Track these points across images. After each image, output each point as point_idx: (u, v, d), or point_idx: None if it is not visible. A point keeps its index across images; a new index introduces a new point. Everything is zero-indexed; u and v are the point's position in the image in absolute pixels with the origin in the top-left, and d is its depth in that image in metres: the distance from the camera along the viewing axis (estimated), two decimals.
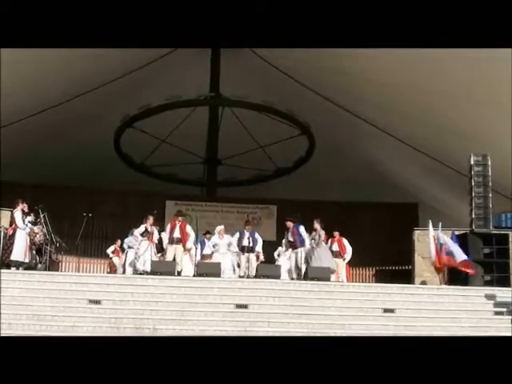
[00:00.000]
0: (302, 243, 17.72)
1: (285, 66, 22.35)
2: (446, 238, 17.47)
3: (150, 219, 17.92)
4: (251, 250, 17.76)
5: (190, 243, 17.62)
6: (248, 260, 17.62)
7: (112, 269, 20.69)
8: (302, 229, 17.88)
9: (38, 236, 17.27)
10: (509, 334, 12.83)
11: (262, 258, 18.39)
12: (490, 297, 15.06)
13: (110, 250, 20.85)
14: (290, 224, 18.02)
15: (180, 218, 17.70)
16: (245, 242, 17.80)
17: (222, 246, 17.98)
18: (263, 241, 18.57)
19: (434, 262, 17.49)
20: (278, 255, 18.96)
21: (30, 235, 16.57)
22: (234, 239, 18.05)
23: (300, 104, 23.76)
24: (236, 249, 17.99)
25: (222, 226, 18.44)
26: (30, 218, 16.68)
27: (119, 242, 20.50)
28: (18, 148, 21.87)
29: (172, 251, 17.29)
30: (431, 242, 17.56)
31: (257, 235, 18.18)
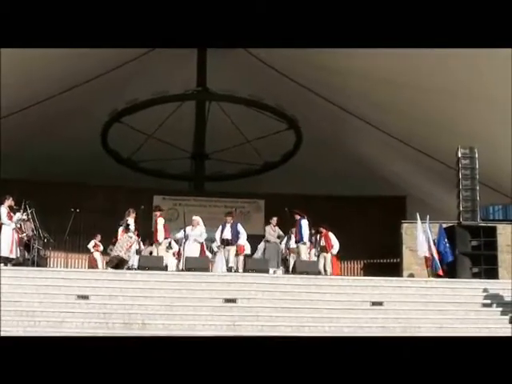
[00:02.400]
0: (301, 239, 17.77)
1: (272, 61, 22.34)
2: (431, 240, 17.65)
3: (131, 213, 17.78)
4: (230, 242, 17.42)
5: (161, 237, 17.49)
6: (228, 253, 17.46)
7: (92, 263, 20.67)
8: (303, 224, 17.92)
9: (25, 235, 17.19)
10: (496, 326, 12.91)
11: (246, 250, 18.26)
12: (477, 289, 15.12)
13: (90, 245, 20.83)
14: (296, 217, 18.06)
15: (157, 213, 17.68)
16: (225, 235, 17.50)
17: (193, 236, 17.83)
18: (251, 235, 18.54)
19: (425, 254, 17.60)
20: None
21: (17, 232, 16.50)
22: (217, 232, 17.86)
23: (287, 98, 23.79)
24: (218, 242, 17.84)
25: (196, 217, 18.18)
26: (18, 215, 16.56)
27: (99, 236, 20.56)
28: (4, 144, 21.75)
29: (155, 247, 17.28)
30: (420, 235, 17.65)
31: (239, 227, 17.64)
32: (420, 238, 17.71)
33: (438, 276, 17.15)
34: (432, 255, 17.47)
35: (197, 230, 17.75)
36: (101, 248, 20.65)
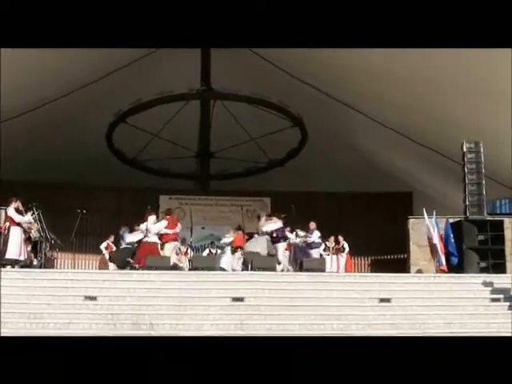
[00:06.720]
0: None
1: (275, 58, 22.29)
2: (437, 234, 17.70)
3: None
4: None
5: None
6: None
7: (104, 265, 20.57)
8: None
9: (33, 231, 17.18)
10: (506, 321, 12.87)
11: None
12: (486, 284, 15.06)
13: (103, 246, 20.72)
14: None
15: None
16: None
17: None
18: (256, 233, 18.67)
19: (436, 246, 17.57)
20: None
21: (26, 230, 16.48)
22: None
23: (292, 96, 23.72)
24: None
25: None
26: (29, 215, 16.55)
27: (112, 237, 20.43)
28: (9, 147, 21.77)
29: None
30: (430, 228, 17.64)
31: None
32: (431, 230, 17.69)
33: (442, 271, 17.15)
34: (437, 250, 17.47)
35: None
36: (114, 249, 20.46)
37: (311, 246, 19.00)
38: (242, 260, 18.05)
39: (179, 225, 18.04)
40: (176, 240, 17.91)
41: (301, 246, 18.96)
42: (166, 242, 17.46)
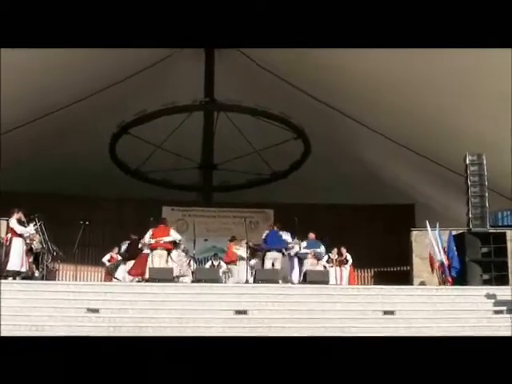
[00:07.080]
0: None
1: (277, 68, 22.30)
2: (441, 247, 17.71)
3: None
4: None
5: None
6: None
7: (107, 277, 20.50)
8: None
9: (35, 243, 17.15)
10: (508, 333, 12.83)
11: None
12: (488, 296, 15.03)
13: (106, 258, 20.65)
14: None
15: None
16: None
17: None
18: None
19: (441, 260, 17.56)
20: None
21: (28, 241, 16.45)
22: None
23: (293, 106, 23.71)
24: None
25: None
26: (31, 227, 16.53)
27: (116, 249, 20.37)
28: (11, 158, 21.78)
29: None
30: (434, 242, 17.65)
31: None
32: (435, 245, 17.71)
33: (448, 282, 17.14)
34: (442, 262, 17.50)
35: None
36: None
37: (298, 256, 18.91)
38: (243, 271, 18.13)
39: (172, 232, 17.80)
40: (167, 249, 17.69)
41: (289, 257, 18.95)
42: (154, 249, 17.47)
